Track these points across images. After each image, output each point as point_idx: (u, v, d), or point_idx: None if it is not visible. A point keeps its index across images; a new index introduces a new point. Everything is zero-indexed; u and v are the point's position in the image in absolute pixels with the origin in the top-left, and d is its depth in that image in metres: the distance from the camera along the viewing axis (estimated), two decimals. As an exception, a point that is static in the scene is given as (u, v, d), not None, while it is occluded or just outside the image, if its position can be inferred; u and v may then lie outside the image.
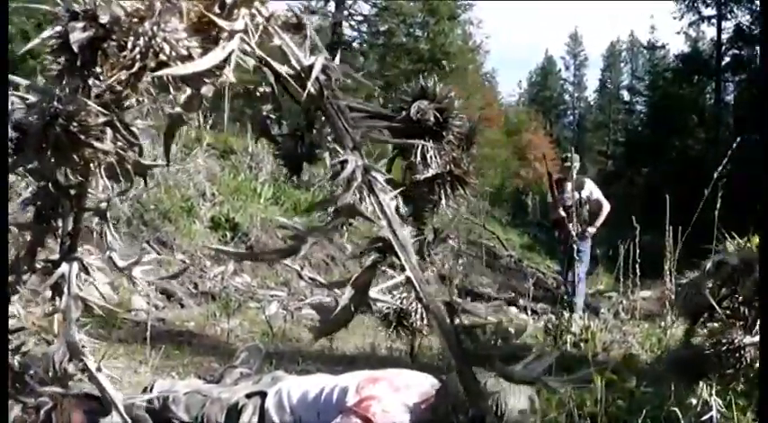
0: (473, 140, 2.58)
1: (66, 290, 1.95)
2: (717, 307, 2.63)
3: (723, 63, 36.03)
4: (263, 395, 4.03)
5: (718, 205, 6.15)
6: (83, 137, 1.70)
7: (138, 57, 1.56)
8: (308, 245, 1.61)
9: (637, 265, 7.50)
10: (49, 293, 2.04)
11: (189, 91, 1.65)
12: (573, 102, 77.82)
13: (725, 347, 2.65)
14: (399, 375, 3.79)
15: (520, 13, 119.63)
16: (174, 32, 1.57)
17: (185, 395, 4.11)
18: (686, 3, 36.60)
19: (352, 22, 36.03)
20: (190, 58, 1.57)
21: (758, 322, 2.74)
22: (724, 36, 35.92)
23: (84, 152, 1.75)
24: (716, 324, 2.78)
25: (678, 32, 38.53)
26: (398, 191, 1.69)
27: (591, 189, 12.11)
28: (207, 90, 1.63)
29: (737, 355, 2.62)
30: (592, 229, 11.81)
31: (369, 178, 1.59)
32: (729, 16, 35.79)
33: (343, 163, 1.60)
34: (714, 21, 36.27)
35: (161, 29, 1.56)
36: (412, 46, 35.21)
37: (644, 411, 3.72)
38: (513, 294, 13.56)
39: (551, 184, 12.19)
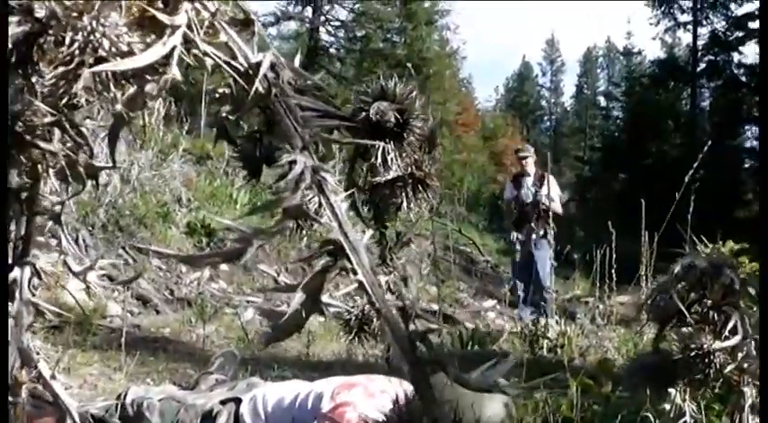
0: (435, 142, 2.56)
1: (17, 295, 1.92)
2: (685, 311, 2.62)
3: (699, 69, 36.28)
4: (237, 401, 4.00)
5: (690, 209, 6.18)
6: (28, 137, 1.67)
7: (76, 52, 1.53)
8: (254, 248, 1.58)
9: (613, 270, 7.52)
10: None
11: (132, 89, 1.63)
12: (550, 107, 78.15)
13: (693, 353, 2.65)
14: (374, 381, 3.78)
15: (496, 18, 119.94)
16: (113, 27, 1.54)
17: (160, 402, 4.08)
18: (662, 9, 36.84)
19: (330, 28, 36.13)
20: (131, 53, 1.55)
21: (730, 323, 2.75)
22: (700, 42, 36.22)
23: (32, 153, 1.72)
24: (685, 329, 2.78)
25: (654, 38, 38.78)
26: (349, 192, 1.67)
27: (551, 186, 11.33)
28: (151, 88, 1.61)
29: (706, 360, 2.61)
30: (542, 232, 11.06)
31: (318, 178, 1.58)
32: (705, 22, 36.08)
33: (292, 163, 1.58)
34: (690, 27, 36.52)
35: (100, 23, 1.53)
36: (389, 51, 35.33)
37: (619, 416, 3.73)
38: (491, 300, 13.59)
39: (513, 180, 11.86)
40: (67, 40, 1.52)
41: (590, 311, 8.65)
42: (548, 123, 77.69)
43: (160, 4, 1.56)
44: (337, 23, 36.19)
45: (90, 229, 9.07)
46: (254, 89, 1.55)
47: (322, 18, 35.56)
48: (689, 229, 4.65)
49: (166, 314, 8.32)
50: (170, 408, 4.05)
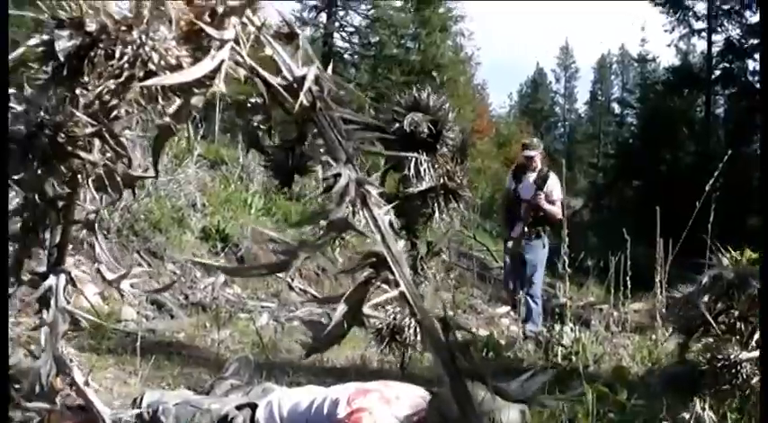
0: (466, 153, 2.56)
1: (53, 302, 1.92)
2: (712, 322, 2.61)
3: (713, 76, 36.13)
4: (253, 407, 4.01)
5: (711, 218, 6.17)
6: (70, 148, 1.68)
7: (125, 66, 1.54)
8: (299, 260, 1.59)
9: (628, 278, 7.50)
10: (36, 305, 2.02)
11: (178, 101, 1.63)
12: (563, 114, 77.98)
13: (720, 363, 2.64)
14: (390, 387, 3.78)
15: (510, 24, 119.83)
16: (162, 41, 1.55)
17: (175, 406, 4.09)
18: (677, 16, 36.72)
19: (344, 34, 36.21)
20: (179, 67, 1.55)
21: (757, 333, 2.74)
22: (714, 49, 36.04)
23: (72, 163, 1.73)
24: (711, 339, 2.77)
25: (669, 45, 38.62)
26: (392, 205, 1.68)
27: (553, 186, 10.47)
28: (197, 100, 1.61)
29: (733, 370, 2.61)
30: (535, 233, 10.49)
31: (362, 192, 1.58)
32: (720, 30, 35.93)
33: (336, 176, 1.58)
34: (704, 34, 36.39)
35: (149, 37, 1.54)
36: (403, 57, 35.34)
37: (635, 424, 3.73)
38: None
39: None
40: (117, 54, 1.53)
41: (604, 319, 8.62)
42: (561, 130, 77.56)
43: (207, 18, 1.57)
44: (351, 29, 36.26)
45: (105, 233, 9.08)
46: (299, 102, 1.55)
47: (336, 24, 35.63)
48: (708, 238, 4.64)
49: (181, 319, 8.33)
50: (185, 412, 4.06)
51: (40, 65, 1.66)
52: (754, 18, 34.27)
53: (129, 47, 1.53)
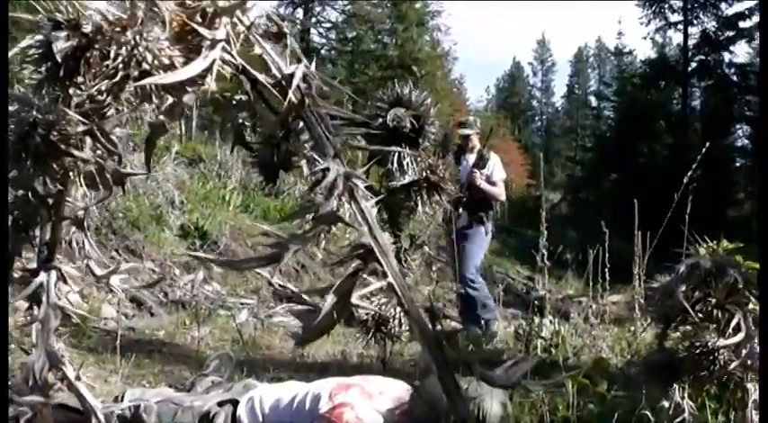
0: (448, 147, 2.57)
1: (44, 299, 1.93)
2: (690, 310, 2.64)
3: (690, 68, 36.27)
4: (234, 403, 4.02)
5: (688, 209, 6.20)
6: (62, 146, 1.69)
7: (120, 66, 1.55)
8: (290, 253, 1.60)
9: (606, 270, 7.52)
10: (23, 303, 2.03)
11: (170, 99, 1.64)
12: (541, 107, 78.17)
13: (699, 350, 2.67)
14: (371, 382, 3.79)
15: (487, 19, 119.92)
16: (156, 41, 1.57)
17: (157, 404, 4.09)
18: (653, 9, 36.84)
19: (321, 29, 36.13)
20: (172, 66, 1.57)
21: (733, 321, 2.78)
22: (690, 42, 36.19)
23: (64, 161, 1.74)
24: (688, 327, 2.80)
25: (645, 38, 38.74)
26: (379, 198, 1.70)
27: (494, 167, 9.68)
28: (188, 98, 1.63)
29: (711, 357, 2.64)
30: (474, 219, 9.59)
31: (350, 185, 1.60)
32: (695, 22, 36.06)
33: (325, 170, 1.60)
34: (680, 26, 36.53)
35: (143, 38, 1.56)
36: (380, 53, 35.34)
37: (616, 415, 3.75)
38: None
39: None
40: (112, 54, 1.54)
41: (583, 311, 8.65)
42: (539, 123, 77.75)
43: (199, 19, 1.58)
44: (328, 25, 36.24)
45: (83, 231, 9.04)
46: (288, 99, 1.57)
47: (313, 20, 35.59)
48: (686, 229, 4.67)
49: (161, 316, 8.32)
50: (167, 410, 4.06)
51: (36, 65, 1.67)
52: (729, 10, 34.50)
53: (124, 47, 1.55)
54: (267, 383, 4.50)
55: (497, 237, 28.52)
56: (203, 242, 10.78)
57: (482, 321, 9.05)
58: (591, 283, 7.71)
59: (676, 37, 38.58)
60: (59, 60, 1.60)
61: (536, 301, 9.94)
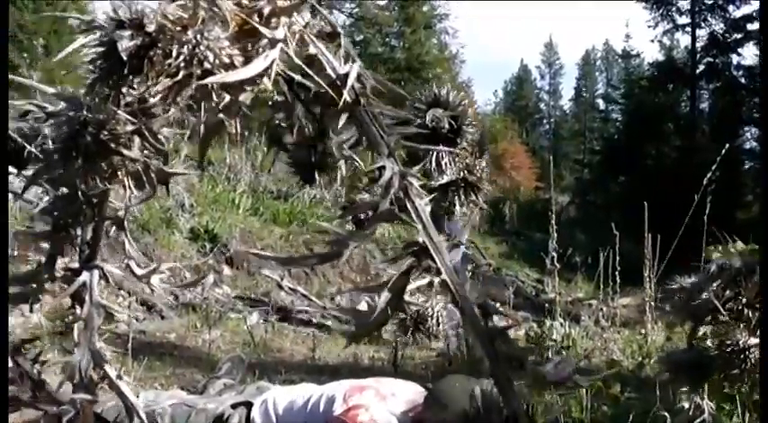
0: (484, 148, 2.59)
1: (87, 298, 1.95)
2: (721, 308, 2.65)
3: (698, 71, 36.23)
4: (248, 405, 4.02)
5: (707, 210, 6.18)
6: (113, 145, 1.70)
7: (182, 64, 1.57)
8: (350, 249, 1.62)
9: (617, 273, 7.51)
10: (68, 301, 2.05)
11: (228, 98, 1.66)
12: (548, 110, 78.00)
13: (730, 349, 2.68)
14: (385, 384, 3.79)
15: (495, 22, 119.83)
16: (217, 41, 1.58)
17: (170, 406, 4.10)
18: (661, 11, 36.80)
19: (328, 33, 36.14)
20: (232, 65, 1.59)
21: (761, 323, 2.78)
22: (698, 44, 36.16)
23: (113, 160, 1.75)
24: (716, 326, 2.80)
25: (653, 41, 38.70)
26: (431, 197, 1.71)
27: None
28: (245, 97, 1.64)
29: (742, 355, 2.64)
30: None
31: (405, 184, 1.61)
32: (703, 24, 36.03)
33: (381, 169, 1.61)
34: (688, 29, 36.49)
35: (204, 37, 1.57)
36: (388, 55, 35.35)
37: (630, 417, 3.74)
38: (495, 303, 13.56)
39: None
40: (174, 53, 1.55)
41: (593, 314, 8.64)
42: (547, 126, 77.59)
43: (257, 18, 1.59)
44: (336, 28, 36.26)
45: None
46: (343, 99, 1.58)
47: (321, 23, 35.63)
48: (704, 230, 4.67)
49: (171, 319, 8.32)
50: (181, 412, 4.06)
51: (98, 64, 1.68)
52: (737, 12, 34.47)
53: (186, 46, 1.56)
54: (280, 386, 4.50)
55: (506, 240, 28.55)
56: (213, 245, 10.78)
57: None
58: (601, 286, 7.70)
59: (684, 39, 38.46)
60: (124, 59, 1.61)
61: (546, 304, 9.94)
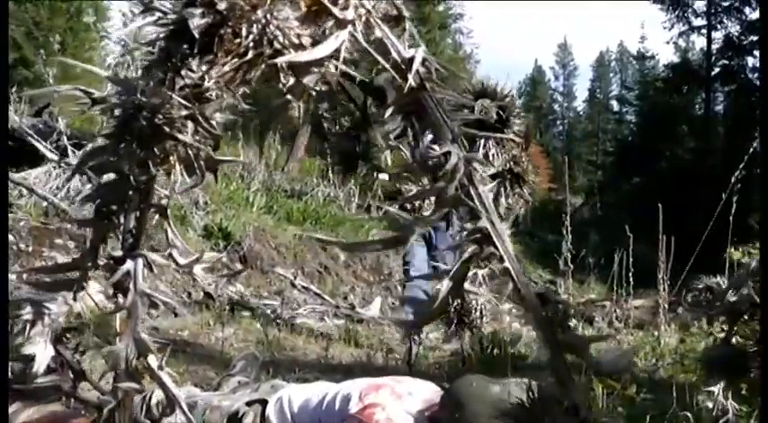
0: (530, 140, 2.60)
1: (131, 286, 1.95)
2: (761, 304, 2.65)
3: (713, 73, 36.15)
4: (263, 403, 4.02)
5: (733, 211, 6.14)
6: (167, 129, 1.70)
7: (251, 45, 1.57)
8: (415, 235, 1.62)
9: (630, 274, 7.50)
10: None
11: (293, 80, 1.65)
12: (562, 111, 77.96)
13: (770, 345, 2.68)
14: (401, 383, 3.77)
15: (509, 22, 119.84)
16: (286, 21, 1.58)
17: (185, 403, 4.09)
18: (676, 13, 36.74)
19: (343, 31, 36.21)
20: (301, 46, 1.59)
21: (759, 325, 2.78)
22: (714, 46, 36.08)
23: (166, 145, 1.76)
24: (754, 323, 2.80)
25: (668, 42, 38.66)
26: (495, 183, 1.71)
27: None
28: (310, 79, 1.64)
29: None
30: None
31: (470, 169, 1.61)
32: (719, 26, 35.97)
33: (446, 154, 1.61)
34: (704, 31, 36.42)
35: (274, 17, 1.57)
36: (402, 55, 35.40)
37: (647, 418, 3.73)
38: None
39: None
40: (243, 32, 1.56)
41: (607, 315, 8.63)
42: (560, 128, 77.55)
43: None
44: (351, 27, 36.31)
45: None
46: (408, 83, 1.58)
47: (336, 22, 35.68)
48: (729, 231, 4.65)
49: (184, 317, 8.33)
50: (195, 408, 4.06)
51: (166, 43, 1.68)
52: (753, 14, 34.35)
53: (255, 26, 1.56)
54: (295, 384, 4.49)
55: (519, 240, 28.51)
56: (227, 243, 10.78)
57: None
58: (615, 288, 7.70)
59: (699, 41, 38.41)
60: (196, 36, 1.61)
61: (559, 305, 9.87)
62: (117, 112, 1.71)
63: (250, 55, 1.57)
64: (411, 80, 1.60)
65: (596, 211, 39.18)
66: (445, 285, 1.62)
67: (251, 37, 1.56)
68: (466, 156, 1.60)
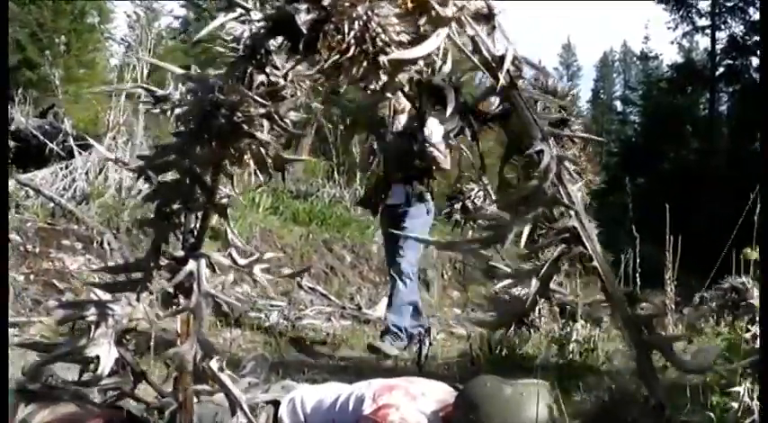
0: (588, 139, 2.59)
1: (195, 287, 1.96)
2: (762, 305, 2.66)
3: (717, 73, 36.12)
4: (275, 404, 4.01)
5: (757, 210, 6.12)
6: (246, 127, 1.70)
7: (352, 41, 1.57)
8: (513, 233, 1.63)
9: (637, 274, 7.49)
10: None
11: (385, 77, 1.66)
12: (566, 112, 77.86)
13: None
14: (415, 383, 3.77)
15: (512, 23, 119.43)
16: (386, 18, 1.59)
17: (197, 405, 4.09)
18: (680, 13, 36.70)
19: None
20: (401, 43, 1.59)
21: (759, 324, 2.78)
22: (718, 46, 36.07)
23: (241, 143, 1.76)
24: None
25: (672, 43, 38.71)
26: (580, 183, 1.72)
27: (432, 129, 6.17)
28: (402, 76, 1.65)
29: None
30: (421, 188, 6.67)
31: (561, 168, 1.62)
32: (723, 27, 35.95)
33: (539, 153, 1.62)
34: (708, 31, 36.40)
35: (375, 14, 1.57)
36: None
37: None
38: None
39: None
40: (345, 29, 1.56)
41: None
42: (564, 128, 77.52)
43: None
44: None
45: (115, 232, 9.09)
46: (500, 81, 1.58)
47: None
48: (755, 230, 4.64)
49: (192, 317, 8.32)
50: (208, 411, 4.05)
51: (240, 42, 1.68)
52: (757, 15, 34.32)
53: (357, 22, 1.56)
54: (306, 384, 4.49)
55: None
56: (233, 244, 10.78)
57: (406, 330, 7.49)
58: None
59: (703, 41, 38.41)
60: (303, 31, 1.61)
61: (567, 306, 9.88)
62: (192, 109, 1.71)
63: (352, 51, 1.57)
64: (502, 79, 1.61)
65: (600, 211, 39.14)
66: (533, 285, 1.62)
67: (352, 33, 1.56)
68: (558, 155, 1.61)
